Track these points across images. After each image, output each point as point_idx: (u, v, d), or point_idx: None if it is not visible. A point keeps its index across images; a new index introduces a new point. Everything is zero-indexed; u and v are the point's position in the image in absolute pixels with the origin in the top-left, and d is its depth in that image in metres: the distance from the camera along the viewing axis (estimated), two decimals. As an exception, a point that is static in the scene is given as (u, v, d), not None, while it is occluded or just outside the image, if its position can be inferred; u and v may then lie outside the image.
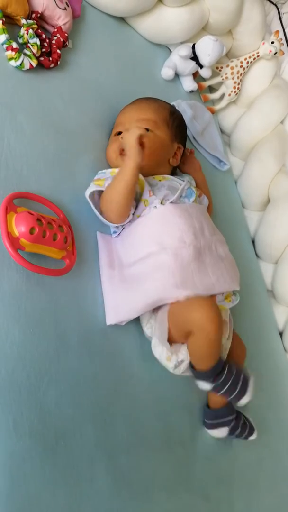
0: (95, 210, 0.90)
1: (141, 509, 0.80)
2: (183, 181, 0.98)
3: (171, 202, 0.91)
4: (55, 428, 0.71)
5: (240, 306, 1.01)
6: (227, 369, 0.86)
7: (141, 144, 0.86)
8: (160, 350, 0.84)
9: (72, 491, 0.71)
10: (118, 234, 0.94)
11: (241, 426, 0.97)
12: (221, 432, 0.95)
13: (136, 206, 0.91)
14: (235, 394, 0.86)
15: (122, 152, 0.95)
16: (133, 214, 0.91)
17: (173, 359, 0.84)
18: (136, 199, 0.91)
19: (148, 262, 0.87)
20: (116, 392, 0.83)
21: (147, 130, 0.96)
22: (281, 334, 1.40)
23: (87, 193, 0.89)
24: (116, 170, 0.93)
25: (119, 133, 0.98)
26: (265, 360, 1.27)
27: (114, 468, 0.77)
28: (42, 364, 0.73)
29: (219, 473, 0.97)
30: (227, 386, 0.85)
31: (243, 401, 0.87)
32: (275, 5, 1.59)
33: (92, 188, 0.89)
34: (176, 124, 1.03)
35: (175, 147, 1.03)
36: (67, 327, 0.79)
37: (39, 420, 0.70)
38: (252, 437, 0.99)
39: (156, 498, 0.83)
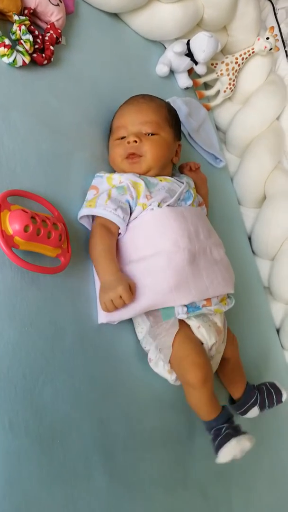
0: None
1: (139, 507, 0.80)
2: (182, 183, 0.98)
3: (168, 205, 0.91)
4: (51, 427, 0.71)
5: (237, 303, 1.00)
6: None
7: None
8: (162, 365, 0.86)
9: (68, 490, 0.70)
10: None
11: (266, 397, 1.04)
12: (253, 412, 1.04)
13: (133, 211, 0.90)
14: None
15: (129, 156, 0.95)
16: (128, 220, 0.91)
17: (174, 373, 0.86)
18: (130, 207, 0.90)
19: (142, 265, 0.86)
20: (112, 390, 0.83)
21: (153, 134, 0.96)
22: (278, 331, 1.40)
23: (79, 216, 0.89)
24: (113, 175, 0.92)
25: (123, 137, 0.97)
26: (263, 357, 1.27)
27: (111, 466, 0.77)
28: (37, 363, 0.73)
29: (217, 471, 0.97)
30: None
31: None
32: (270, 0, 1.58)
33: (84, 211, 0.88)
34: (175, 121, 1.03)
35: (176, 145, 1.03)
36: (62, 325, 0.79)
37: (35, 419, 0.69)
38: (284, 397, 1.04)
39: (154, 496, 0.83)
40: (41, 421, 0.70)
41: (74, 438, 0.74)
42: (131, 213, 0.90)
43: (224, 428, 0.83)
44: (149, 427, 0.87)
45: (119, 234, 0.90)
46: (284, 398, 1.05)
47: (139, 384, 0.88)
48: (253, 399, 1.04)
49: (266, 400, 1.04)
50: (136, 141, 0.94)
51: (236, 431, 0.83)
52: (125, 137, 0.96)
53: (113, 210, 0.87)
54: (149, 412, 0.88)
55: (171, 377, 0.86)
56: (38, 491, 0.67)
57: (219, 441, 0.82)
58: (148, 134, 0.96)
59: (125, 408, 0.84)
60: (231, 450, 0.81)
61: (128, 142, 0.95)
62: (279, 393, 1.05)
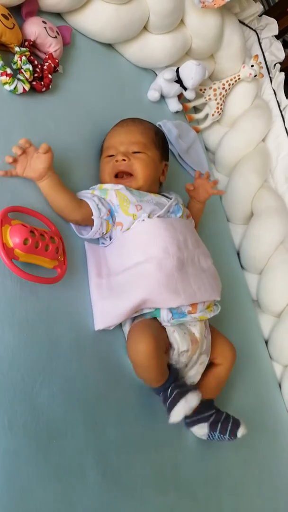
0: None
1: (130, 505, 0.83)
2: (171, 198, 1.05)
3: (158, 216, 0.97)
4: (47, 427, 0.75)
5: (226, 315, 1.06)
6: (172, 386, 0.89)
7: None
8: None
9: (63, 487, 0.74)
10: (107, 245, 0.99)
11: (221, 422, 0.96)
12: (201, 429, 0.97)
13: (124, 221, 0.96)
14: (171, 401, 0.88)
15: (118, 174, 1.02)
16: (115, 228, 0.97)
17: None
18: (111, 209, 0.97)
19: (134, 270, 0.92)
20: (106, 393, 0.87)
21: (139, 152, 1.03)
22: (266, 342, 1.45)
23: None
24: (104, 185, 1.00)
25: (112, 155, 1.04)
26: (251, 367, 1.31)
27: (104, 466, 0.81)
28: (35, 367, 0.77)
29: (206, 474, 1.00)
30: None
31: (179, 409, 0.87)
32: (255, 30, 1.68)
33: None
34: (162, 143, 1.11)
35: (163, 165, 1.10)
36: (58, 332, 0.84)
37: (32, 419, 0.73)
38: (240, 431, 0.96)
39: (145, 496, 0.86)
40: (38, 422, 0.74)
41: (69, 438, 0.77)
42: (113, 218, 0.96)
43: (171, 389, 0.88)
44: (141, 431, 0.90)
45: (102, 241, 0.99)
46: (239, 434, 0.96)
47: (131, 388, 0.92)
48: (207, 414, 0.97)
49: (219, 425, 0.96)
50: (124, 160, 1.01)
51: (182, 390, 0.88)
52: (113, 155, 1.04)
53: (93, 197, 0.94)
54: (141, 416, 0.92)
55: None
56: (35, 487, 0.70)
57: (169, 404, 0.88)
58: (135, 152, 1.03)
59: (118, 412, 0.87)
60: (181, 409, 0.87)
61: (117, 161, 1.02)
62: (236, 427, 0.96)
